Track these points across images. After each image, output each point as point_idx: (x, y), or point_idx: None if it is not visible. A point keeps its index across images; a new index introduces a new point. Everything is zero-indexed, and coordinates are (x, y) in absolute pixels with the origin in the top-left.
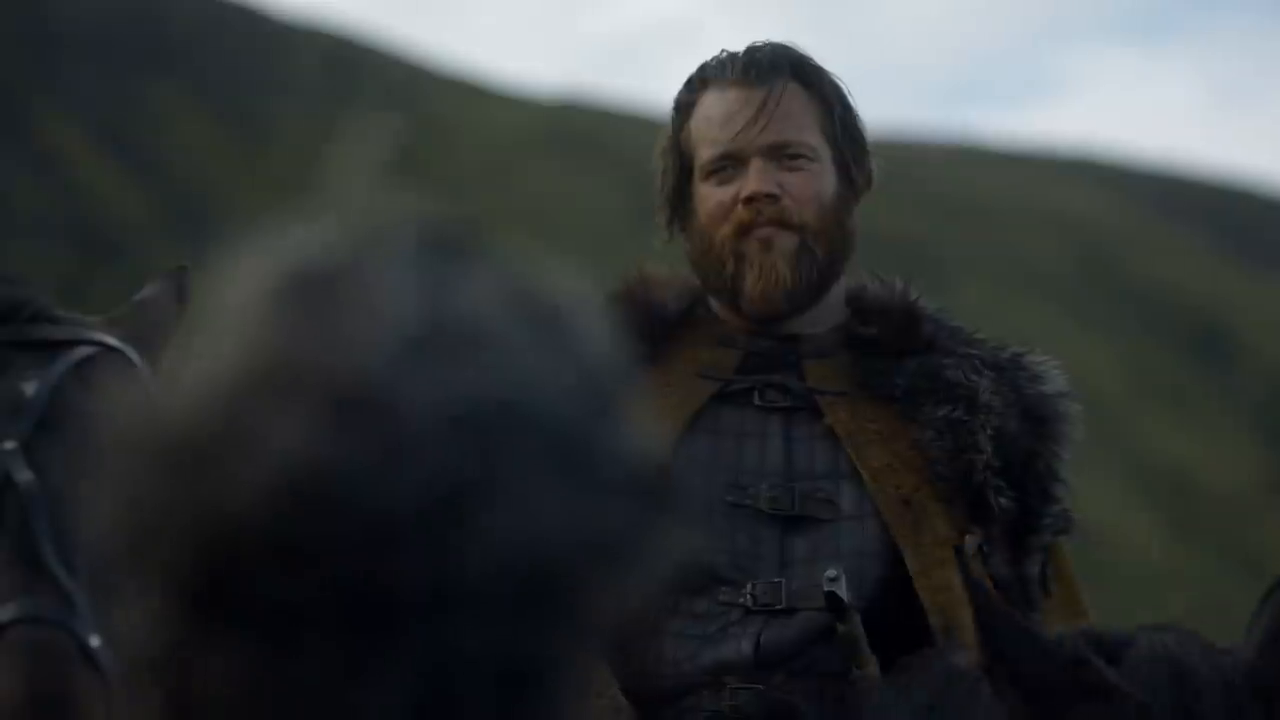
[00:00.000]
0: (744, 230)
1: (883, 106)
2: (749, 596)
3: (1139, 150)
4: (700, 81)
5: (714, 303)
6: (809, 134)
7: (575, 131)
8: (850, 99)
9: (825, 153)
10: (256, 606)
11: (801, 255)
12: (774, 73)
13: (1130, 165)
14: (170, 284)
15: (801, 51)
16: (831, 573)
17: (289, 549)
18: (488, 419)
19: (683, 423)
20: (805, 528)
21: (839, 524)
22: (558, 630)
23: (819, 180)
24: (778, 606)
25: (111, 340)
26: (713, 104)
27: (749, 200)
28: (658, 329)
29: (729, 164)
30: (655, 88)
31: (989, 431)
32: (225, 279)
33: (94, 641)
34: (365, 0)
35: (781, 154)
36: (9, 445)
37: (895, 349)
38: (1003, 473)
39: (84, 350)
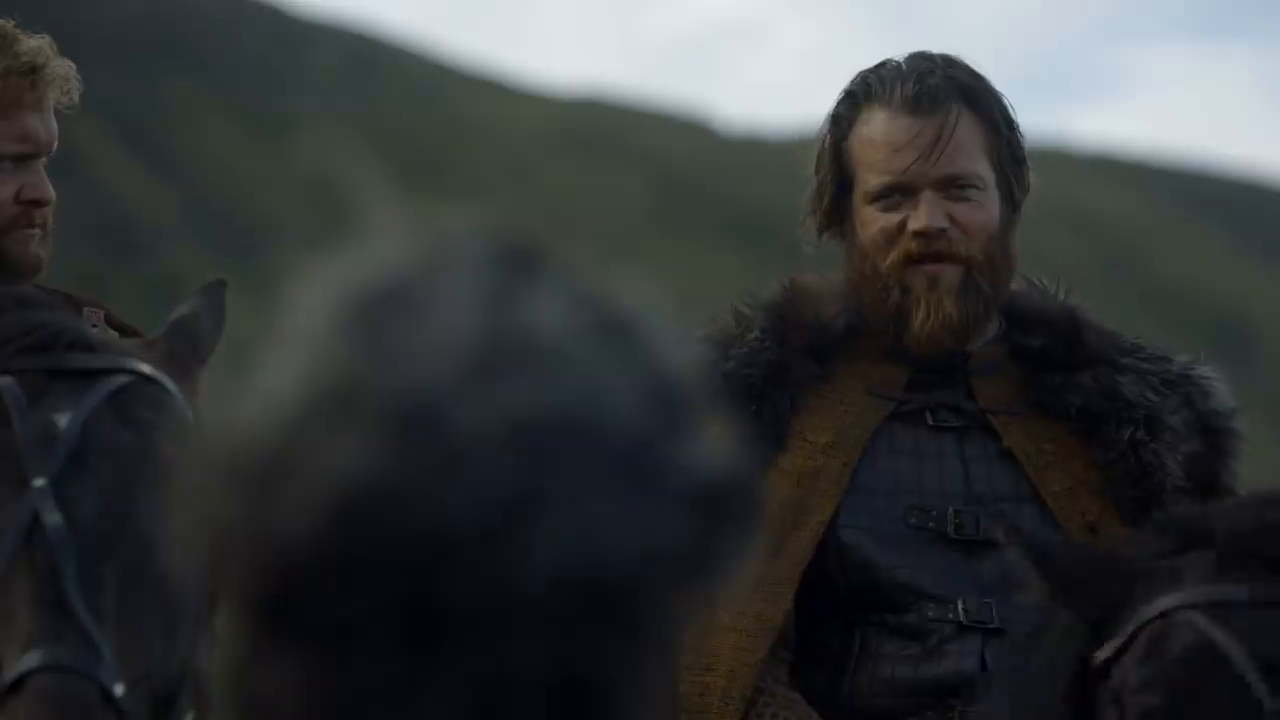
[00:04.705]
0: (911, 261)
1: None
2: (961, 612)
3: (1164, 148)
4: (864, 98)
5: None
6: (978, 163)
7: (596, 129)
8: (1013, 114)
9: (991, 178)
10: (315, 621)
11: (967, 288)
12: (947, 101)
13: (1153, 162)
14: (207, 300)
15: (969, 68)
16: None
17: (344, 566)
18: (544, 434)
19: (864, 443)
20: (990, 551)
21: None
22: (619, 643)
23: (985, 210)
24: (991, 625)
25: (146, 368)
26: (879, 129)
27: (919, 234)
28: (828, 346)
29: (896, 192)
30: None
31: (1178, 456)
32: (290, 300)
33: (118, 690)
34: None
35: (951, 185)
36: (39, 483)
37: (1063, 362)
38: (1190, 495)
39: (119, 380)
